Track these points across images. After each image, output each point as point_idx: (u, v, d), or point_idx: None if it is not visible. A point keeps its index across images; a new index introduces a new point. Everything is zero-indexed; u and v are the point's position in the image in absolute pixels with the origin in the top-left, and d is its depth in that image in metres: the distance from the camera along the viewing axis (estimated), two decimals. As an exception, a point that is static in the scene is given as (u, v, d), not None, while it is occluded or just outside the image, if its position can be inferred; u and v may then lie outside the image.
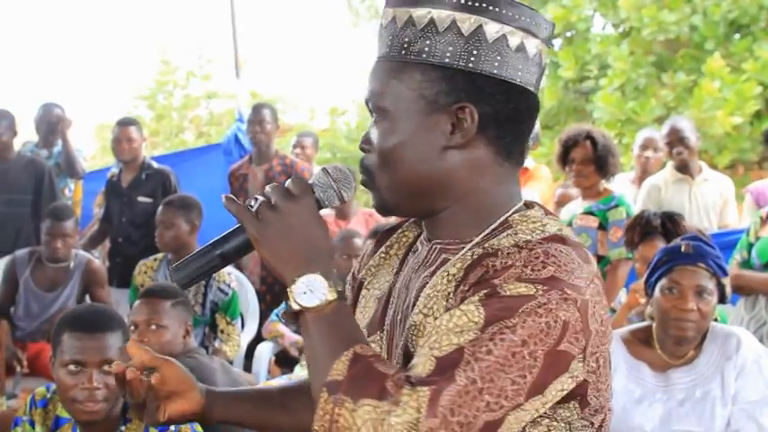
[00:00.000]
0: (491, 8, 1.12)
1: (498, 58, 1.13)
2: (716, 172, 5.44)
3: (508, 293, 1.02)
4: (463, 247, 1.17)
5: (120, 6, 23.91)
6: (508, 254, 1.08)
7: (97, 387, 2.17)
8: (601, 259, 3.99)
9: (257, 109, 5.72)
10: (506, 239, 1.13)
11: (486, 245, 1.15)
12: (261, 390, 1.47)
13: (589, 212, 4.06)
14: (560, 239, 1.10)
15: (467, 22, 1.12)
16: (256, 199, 1.12)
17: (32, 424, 2.37)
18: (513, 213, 1.18)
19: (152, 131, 13.71)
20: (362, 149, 1.22)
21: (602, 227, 4.01)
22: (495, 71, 1.13)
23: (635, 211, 4.13)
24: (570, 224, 4.07)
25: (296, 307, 1.08)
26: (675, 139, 4.88)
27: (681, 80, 9.12)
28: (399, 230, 1.34)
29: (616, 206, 4.02)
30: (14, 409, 2.92)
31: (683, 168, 4.92)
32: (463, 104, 1.14)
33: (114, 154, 5.55)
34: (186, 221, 4.16)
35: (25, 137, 6.29)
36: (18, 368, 4.36)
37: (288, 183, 1.14)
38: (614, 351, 2.56)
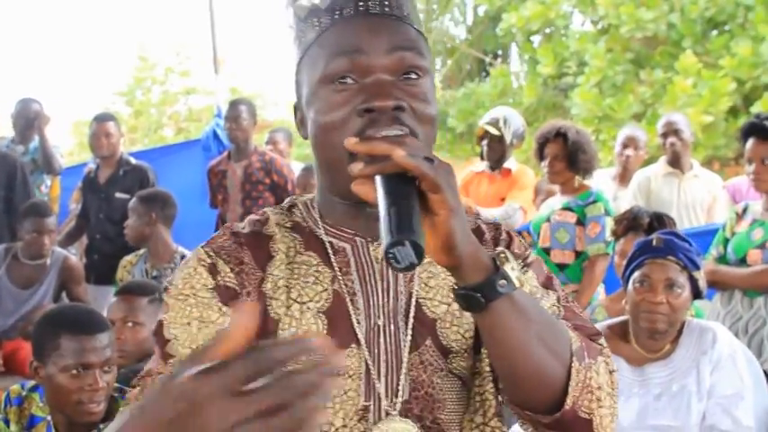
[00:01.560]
0: None
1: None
2: (707, 170, 5.49)
3: (529, 260, 1.18)
4: None
5: (99, 2, 23.72)
6: (484, 230, 1.19)
7: (102, 387, 2.19)
8: (579, 255, 4.01)
9: (234, 105, 5.69)
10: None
11: None
12: None
13: (567, 208, 4.07)
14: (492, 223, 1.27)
15: None
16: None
17: (7, 422, 2.36)
18: None
19: (130, 128, 13.63)
20: (399, 108, 1.04)
21: (580, 222, 4.02)
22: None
23: (614, 207, 4.15)
24: (549, 219, 4.09)
25: (518, 284, 0.98)
26: (669, 130, 4.94)
27: (658, 77, 9.20)
28: (269, 235, 1.15)
29: (594, 202, 4.04)
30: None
31: (675, 162, 4.96)
32: None
33: (92, 150, 5.51)
34: (144, 214, 4.18)
35: (1, 132, 6.24)
36: (-7, 366, 4.32)
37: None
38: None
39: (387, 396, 1.09)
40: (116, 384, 2.30)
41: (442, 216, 0.92)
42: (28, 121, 5.73)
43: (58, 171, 5.86)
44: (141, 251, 4.31)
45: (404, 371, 1.09)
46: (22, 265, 4.59)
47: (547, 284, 1.15)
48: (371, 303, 1.11)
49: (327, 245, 1.13)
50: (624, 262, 2.71)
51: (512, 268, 0.97)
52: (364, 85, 1.05)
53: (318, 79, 1.07)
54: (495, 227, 1.20)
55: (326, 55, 1.07)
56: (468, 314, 1.09)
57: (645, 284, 2.54)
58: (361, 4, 1.08)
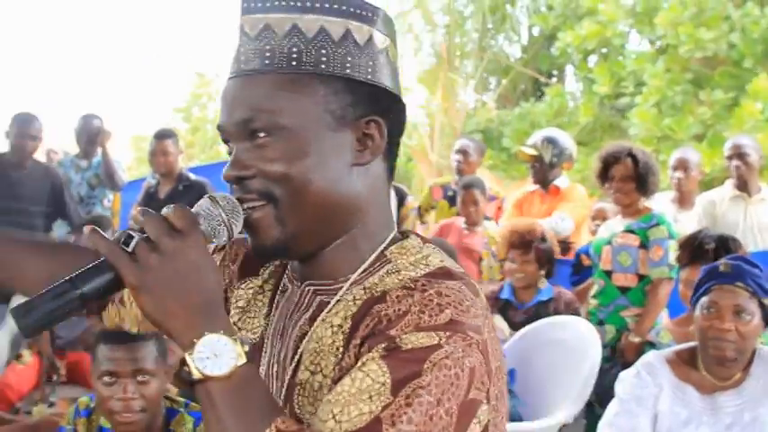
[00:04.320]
0: (375, 18, 1.05)
1: (387, 70, 1.06)
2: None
3: (410, 346, 0.92)
4: (340, 287, 1.05)
5: (157, 20, 24.19)
6: (398, 298, 0.97)
7: (132, 397, 2.16)
8: (642, 278, 3.95)
9: None
10: (390, 278, 1.02)
11: (367, 284, 1.04)
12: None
13: (630, 231, 4.01)
14: (447, 273, 1.01)
15: (359, 32, 1.03)
16: (130, 235, 0.92)
17: (76, 434, 2.38)
18: (390, 245, 1.07)
19: (188, 143, 13.85)
20: (239, 178, 1.03)
21: (643, 245, 3.96)
22: (388, 83, 1.06)
23: (677, 230, 4.08)
24: (610, 242, 4.03)
25: (199, 376, 0.90)
26: (735, 153, 4.85)
27: (719, 98, 9.04)
28: (267, 264, 1.18)
29: (657, 225, 3.98)
30: (58, 415, 2.94)
31: (742, 185, 4.87)
32: (372, 118, 1.04)
33: (151, 166, 5.60)
34: None
35: (67, 148, 6.37)
36: (55, 376, 4.40)
37: (168, 212, 0.95)
38: (659, 372, 2.53)
39: None
40: (182, 399, 2.31)
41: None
42: (90, 136, 5.85)
43: (120, 186, 5.96)
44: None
45: None
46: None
47: (397, 385, 0.90)
48: (273, 347, 1.10)
49: (282, 284, 1.14)
50: (689, 291, 2.65)
51: (209, 355, 0.90)
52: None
53: None
54: (414, 302, 0.96)
55: None
56: (326, 393, 0.98)
57: (712, 311, 2.48)
58: (233, 68, 1.06)
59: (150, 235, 0.92)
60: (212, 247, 1.15)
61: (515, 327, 3.97)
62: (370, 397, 0.89)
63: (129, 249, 0.91)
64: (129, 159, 13.72)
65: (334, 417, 0.90)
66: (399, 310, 0.95)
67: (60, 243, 1.24)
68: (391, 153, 1.09)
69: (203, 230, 0.97)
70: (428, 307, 0.95)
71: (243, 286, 1.18)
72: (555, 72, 13.28)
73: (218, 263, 1.20)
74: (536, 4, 12.75)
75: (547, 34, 12.32)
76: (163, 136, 5.54)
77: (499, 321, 3.95)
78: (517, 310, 4.08)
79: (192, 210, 0.98)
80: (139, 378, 2.18)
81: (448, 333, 0.93)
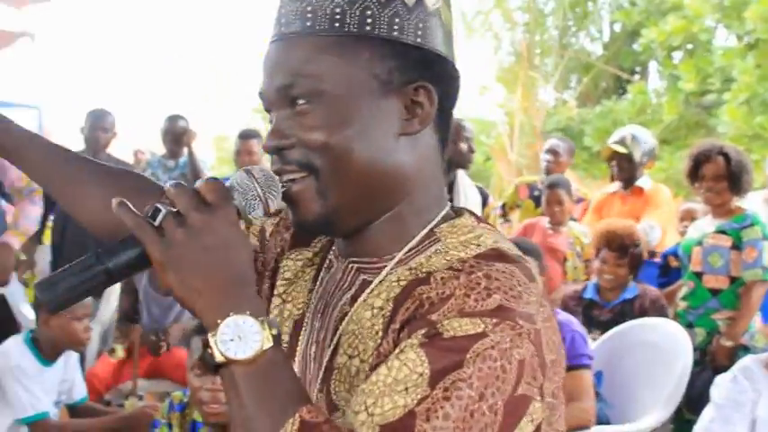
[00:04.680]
0: None
1: (439, 33, 0.98)
2: None
3: (452, 333, 0.84)
4: (384, 266, 0.99)
5: (236, 20, 24.63)
6: (443, 280, 0.89)
7: (220, 389, 2.19)
8: (734, 280, 3.83)
9: None
10: (437, 258, 0.95)
11: (413, 264, 0.96)
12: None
13: (722, 231, 3.90)
14: (499, 255, 0.92)
15: None
16: (158, 208, 0.88)
17: (170, 427, 2.45)
18: (441, 222, 1.00)
19: (267, 143, 14.05)
20: (278, 148, 0.97)
21: (736, 246, 3.84)
22: (440, 48, 0.98)
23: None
24: (700, 243, 3.93)
25: (221, 359, 0.85)
26: None
27: (812, 94, 8.73)
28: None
29: (751, 225, 3.85)
30: (151, 408, 3.03)
31: None
32: (421, 84, 0.96)
33: (236, 165, 5.70)
34: None
35: (154, 148, 6.52)
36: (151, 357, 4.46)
37: (199, 185, 0.90)
38: (757, 377, 2.46)
39: None
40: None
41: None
42: (176, 136, 5.98)
43: (205, 185, 6.08)
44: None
45: None
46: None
47: (435, 377, 0.83)
48: (312, 326, 1.05)
49: (327, 260, 1.08)
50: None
51: (233, 337, 0.84)
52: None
53: None
54: (458, 284, 0.89)
55: None
56: (363, 379, 0.92)
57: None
58: (274, 31, 0.99)
59: (180, 208, 0.87)
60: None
61: (600, 326, 3.90)
62: (406, 389, 0.83)
63: (156, 223, 0.86)
64: (211, 159, 14.00)
65: (366, 408, 0.84)
66: (443, 293, 0.88)
67: (128, 173, 1.21)
68: (443, 124, 1.01)
69: (237, 205, 0.92)
70: (474, 290, 0.87)
71: (292, 256, 1.13)
72: (637, 69, 13.01)
73: (270, 229, 1.16)
74: (618, 1, 12.52)
75: (629, 30, 12.09)
76: (248, 136, 5.64)
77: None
78: (602, 309, 4.01)
79: (227, 184, 0.93)
80: None
81: (495, 320, 0.85)
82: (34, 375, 3.12)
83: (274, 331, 0.86)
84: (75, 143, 5.44)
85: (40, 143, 1.18)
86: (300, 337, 1.06)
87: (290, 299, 1.10)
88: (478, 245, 0.94)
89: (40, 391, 3.12)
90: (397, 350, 0.86)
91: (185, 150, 5.97)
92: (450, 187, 4.36)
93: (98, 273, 0.88)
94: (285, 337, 1.07)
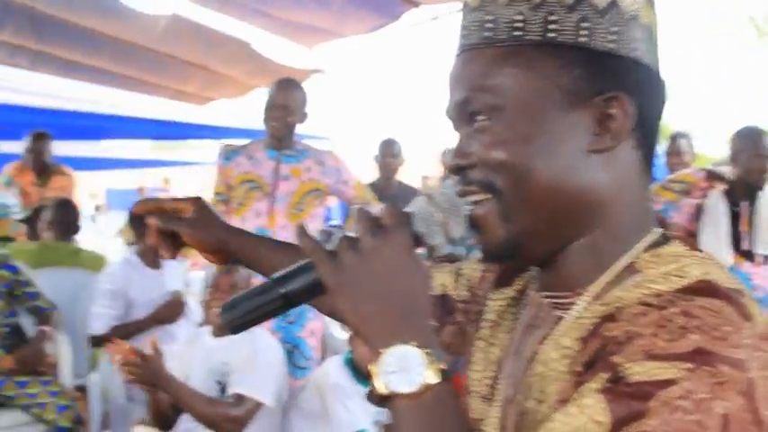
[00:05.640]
0: None
1: (638, 38, 0.88)
2: None
3: (636, 378, 0.73)
4: (576, 301, 0.90)
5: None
6: (632, 317, 0.80)
7: None
8: None
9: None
10: (634, 292, 0.84)
11: (608, 299, 0.87)
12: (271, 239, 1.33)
13: None
14: (706, 289, 0.79)
15: None
16: (332, 233, 0.88)
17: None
18: (644, 251, 0.89)
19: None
20: (460, 168, 0.92)
21: None
22: (639, 54, 0.88)
23: None
24: None
25: (383, 391, 0.80)
26: None
27: None
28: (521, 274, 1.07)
29: None
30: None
31: None
32: (613, 94, 0.87)
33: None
34: None
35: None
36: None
37: (381, 209, 0.87)
38: None
39: None
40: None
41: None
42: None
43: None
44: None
45: None
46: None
47: (616, 426, 0.73)
48: (510, 366, 0.99)
49: (527, 296, 1.02)
50: None
51: (396, 369, 0.79)
52: None
53: None
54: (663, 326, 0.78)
55: None
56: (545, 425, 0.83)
57: None
58: (458, 43, 0.95)
59: (357, 233, 0.85)
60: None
61: None
62: None
63: (331, 248, 0.86)
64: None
65: None
66: (629, 330, 0.78)
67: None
68: (646, 139, 0.91)
69: (416, 231, 0.88)
70: (665, 329, 0.76)
71: (495, 297, 1.08)
72: None
73: (480, 271, 1.14)
74: None
75: None
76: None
77: None
78: None
79: (408, 209, 0.90)
80: None
81: (690, 365, 0.72)
82: (353, 395, 3.13)
83: (443, 365, 0.80)
84: (365, 170, 5.83)
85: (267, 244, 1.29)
86: (499, 380, 1.01)
87: (495, 341, 1.05)
88: (682, 276, 0.83)
89: (358, 408, 3.13)
90: (575, 395, 0.79)
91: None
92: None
93: (275, 297, 0.90)
94: (488, 381, 1.03)
